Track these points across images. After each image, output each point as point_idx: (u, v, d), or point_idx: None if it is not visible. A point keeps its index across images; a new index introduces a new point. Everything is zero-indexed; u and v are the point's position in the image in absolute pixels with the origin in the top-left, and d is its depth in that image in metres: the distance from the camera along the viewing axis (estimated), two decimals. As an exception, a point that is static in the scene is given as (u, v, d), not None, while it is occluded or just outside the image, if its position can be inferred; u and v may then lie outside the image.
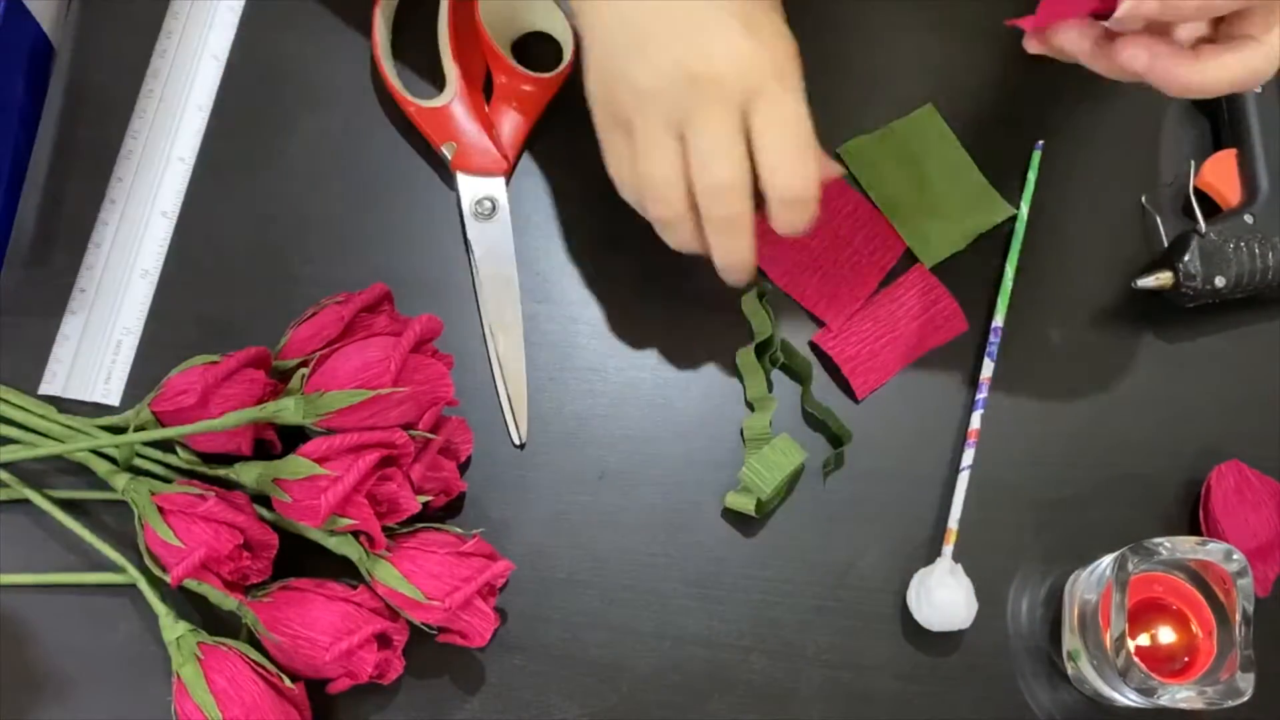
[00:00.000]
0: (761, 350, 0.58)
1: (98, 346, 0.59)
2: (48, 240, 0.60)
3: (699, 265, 0.60)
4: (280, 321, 0.56)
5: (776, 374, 0.59)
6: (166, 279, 0.60)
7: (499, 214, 0.60)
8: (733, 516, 0.57)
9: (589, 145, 0.62)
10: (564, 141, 0.62)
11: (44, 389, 0.58)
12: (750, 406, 0.58)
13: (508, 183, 0.61)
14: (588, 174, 0.62)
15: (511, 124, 0.61)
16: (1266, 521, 0.56)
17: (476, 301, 0.59)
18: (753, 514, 0.56)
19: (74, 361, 0.59)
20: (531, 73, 0.61)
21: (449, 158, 0.60)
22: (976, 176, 0.61)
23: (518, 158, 0.61)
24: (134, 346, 0.59)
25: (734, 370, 0.59)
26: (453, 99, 0.60)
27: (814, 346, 0.59)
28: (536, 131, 0.62)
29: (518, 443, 0.57)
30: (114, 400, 0.58)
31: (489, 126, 0.61)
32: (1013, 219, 0.61)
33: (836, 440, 0.58)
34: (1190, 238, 0.58)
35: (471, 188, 0.60)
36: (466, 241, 0.60)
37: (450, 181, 0.61)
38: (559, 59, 0.62)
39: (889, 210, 0.61)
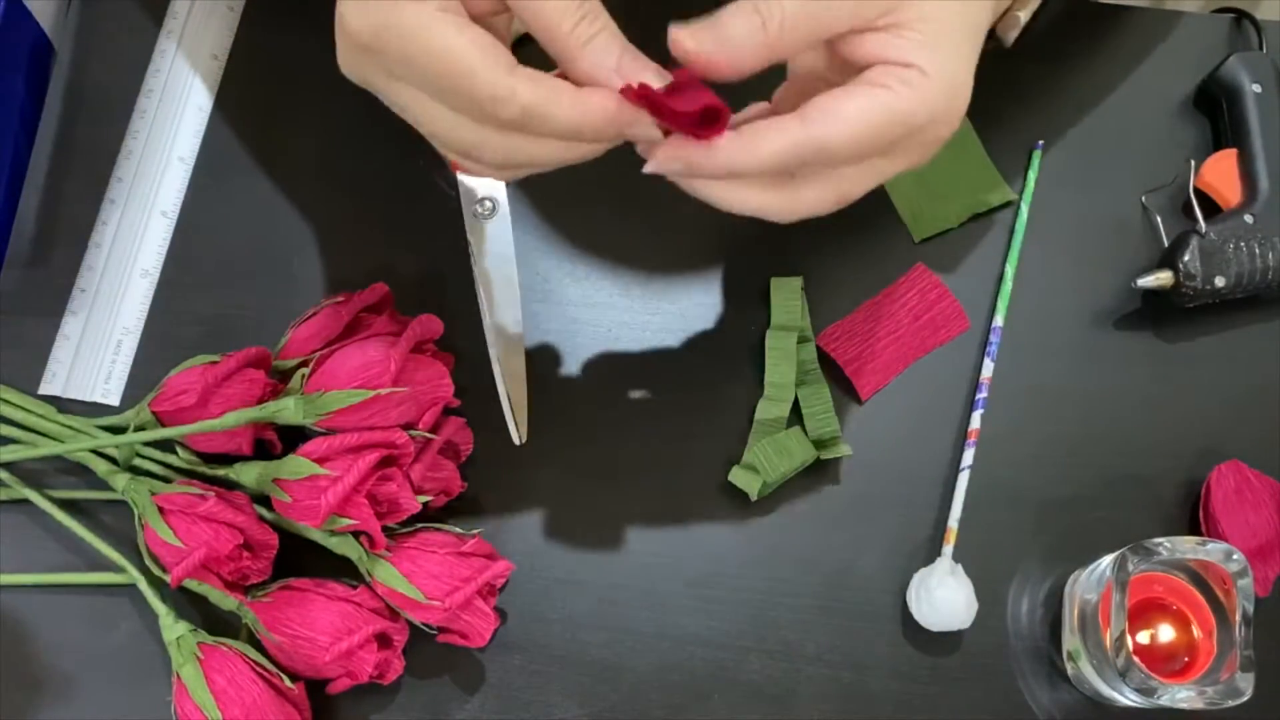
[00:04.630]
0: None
1: (98, 346, 0.59)
2: (47, 240, 0.60)
3: (701, 266, 0.60)
4: (280, 321, 0.56)
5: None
6: (166, 279, 0.60)
7: (499, 214, 0.60)
8: (732, 517, 0.57)
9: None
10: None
11: (44, 389, 0.58)
12: (765, 393, 0.58)
13: (508, 183, 0.61)
14: (588, 174, 0.62)
15: None
16: (1267, 521, 0.56)
17: (477, 301, 0.59)
18: (753, 496, 0.56)
19: (74, 361, 0.59)
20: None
21: (449, 158, 0.60)
22: (980, 156, 0.61)
23: None
24: (134, 346, 0.59)
25: (737, 371, 0.59)
26: None
27: (816, 347, 0.59)
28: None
29: (518, 443, 0.57)
30: (114, 400, 0.58)
31: None
32: (1008, 205, 0.61)
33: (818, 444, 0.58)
34: (1190, 238, 0.58)
35: (472, 188, 0.60)
36: (467, 241, 0.60)
37: (450, 181, 0.61)
38: None
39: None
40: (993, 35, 0.52)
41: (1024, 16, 0.51)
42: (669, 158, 0.43)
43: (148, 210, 0.61)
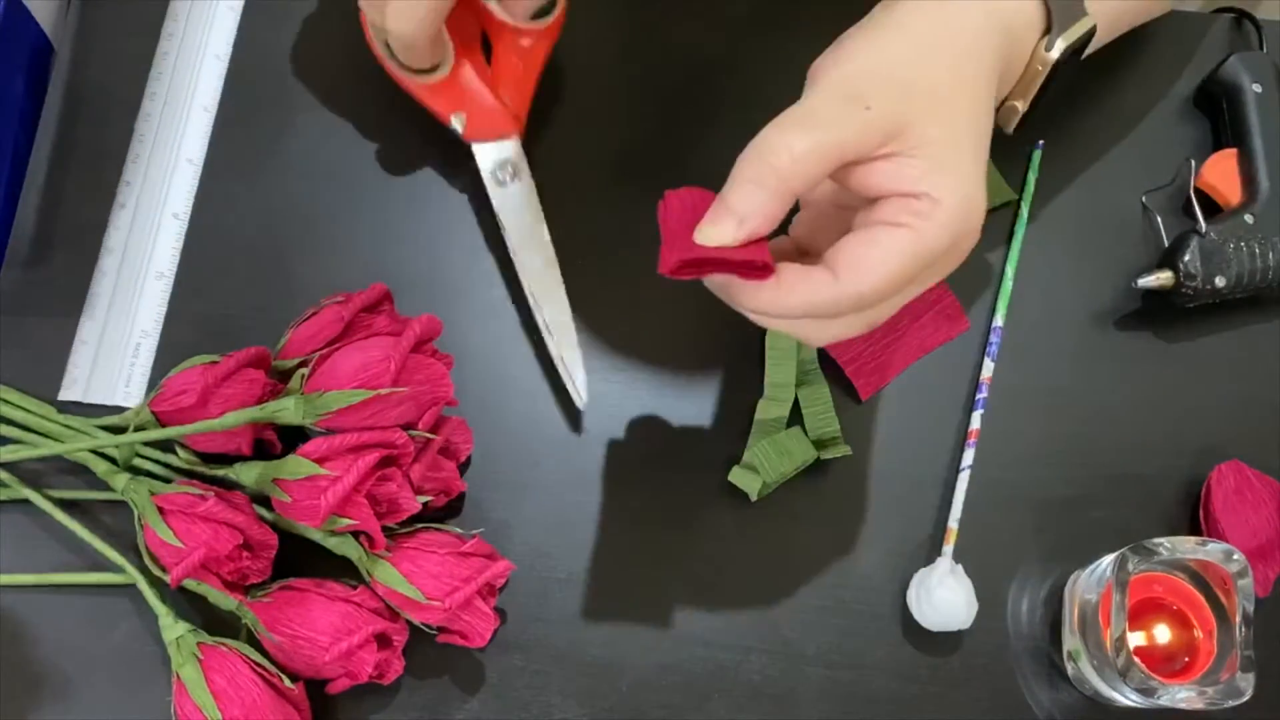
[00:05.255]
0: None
1: (116, 350, 0.59)
2: (47, 241, 0.60)
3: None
4: (280, 321, 0.56)
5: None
6: (179, 280, 0.60)
7: (520, 177, 0.58)
8: (732, 517, 0.57)
9: (595, 121, 0.62)
10: (568, 115, 0.62)
11: (64, 395, 0.58)
12: (765, 393, 0.58)
13: (523, 144, 0.59)
14: (588, 174, 0.62)
15: (516, 82, 0.59)
16: (1267, 521, 0.56)
17: (514, 271, 0.58)
18: (753, 496, 0.56)
19: (93, 366, 0.58)
20: (526, 24, 0.59)
21: (460, 130, 0.58)
22: None
23: (529, 117, 0.60)
24: (153, 349, 0.59)
25: (737, 371, 0.59)
26: (453, 69, 0.58)
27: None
28: (542, 90, 0.60)
29: (581, 405, 0.57)
30: (135, 403, 0.58)
31: (495, 88, 0.59)
32: (1009, 206, 0.61)
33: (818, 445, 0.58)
34: (1190, 237, 0.58)
35: (488, 155, 0.59)
36: (494, 212, 0.58)
37: (452, 173, 0.61)
38: (552, 7, 0.60)
39: None
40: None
41: (1021, 106, 0.53)
42: (719, 285, 0.46)
43: (159, 213, 0.61)
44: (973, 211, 0.45)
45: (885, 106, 0.44)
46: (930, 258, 0.45)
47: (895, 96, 0.44)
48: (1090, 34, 0.52)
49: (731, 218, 0.44)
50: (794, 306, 0.45)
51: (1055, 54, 0.51)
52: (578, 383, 0.57)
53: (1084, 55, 0.54)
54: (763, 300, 0.45)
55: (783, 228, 0.50)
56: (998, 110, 0.52)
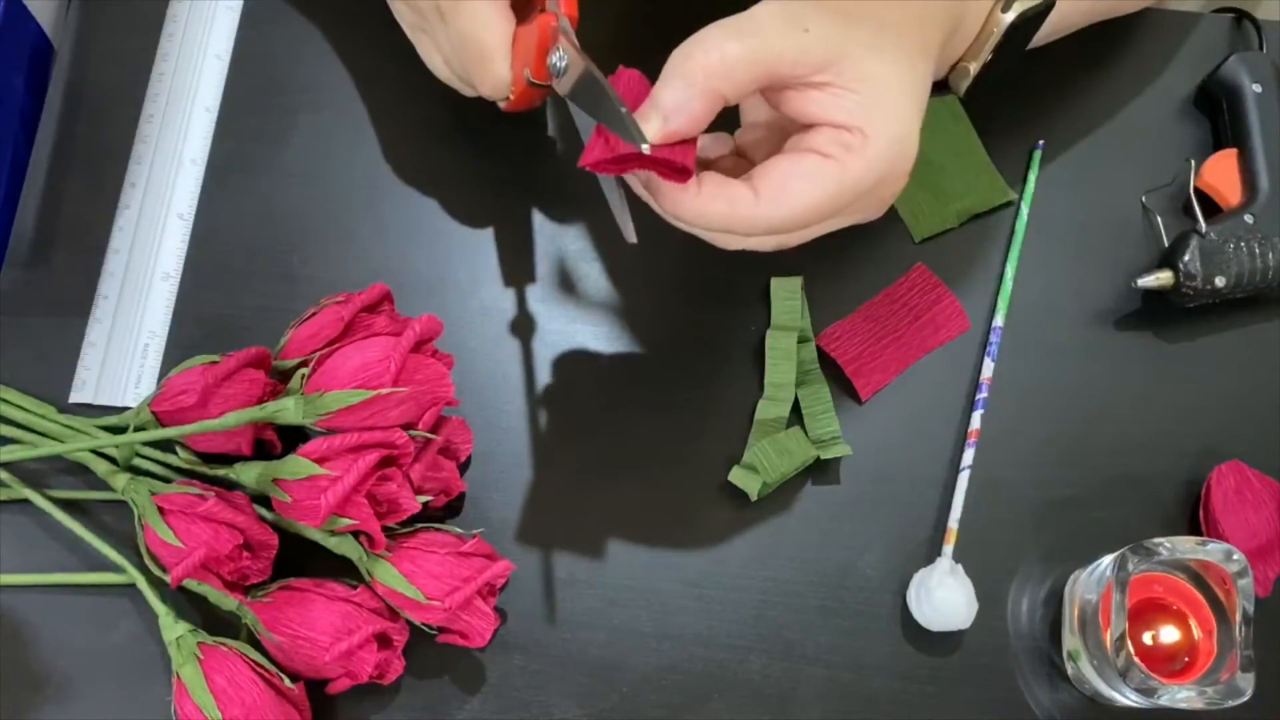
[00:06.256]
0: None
1: (125, 352, 0.59)
2: (55, 245, 0.60)
3: (701, 266, 0.60)
4: (280, 321, 0.56)
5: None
6: (184, 281, 0.60)
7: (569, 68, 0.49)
8: (732, 517, 0.57)
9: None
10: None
11: (75, 397, 0.58)
12: (765, 393, 0.58)
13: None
14: (592, 176, 0.62)
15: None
16: (1267, 521, 0.56)
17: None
18: (753, 496, 0.56)
19: (102, 368, 0.59)
20: None
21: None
22: (981, 156, 0.61)
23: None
24: (161, 350, 0.59)
25: (737, 373, 0.59)
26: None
27: (816, 347, 0.59)
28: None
29: (633, 241, 0.51)
30: (142, 405, 0.58)
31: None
32: (1008, 206, 0.61)
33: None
34: (1190, 237, 0.58)
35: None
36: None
37: (452, 171, 0.61)
38: None
39: None
40: (945, 86, 0.54)
41: (974, 68, 0.53)
42: (642, 188, 0.47)
43: (164, 214, 0.61)
44: (903, 154, 0.46)
45: (824, 32, 0.44)
46: (853, 194, 0.45)
47: (837, 25, 0.45)
48: (1048, 3, 0.51)
49: (657, 114, 0.44)
50: (710, 218, 0.46)
51: (1011, 15, 0.51)
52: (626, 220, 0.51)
53: (1047, 27, 0.53)
54: (681, 207, 0.46)
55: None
56: (951, 70, 0.53)
